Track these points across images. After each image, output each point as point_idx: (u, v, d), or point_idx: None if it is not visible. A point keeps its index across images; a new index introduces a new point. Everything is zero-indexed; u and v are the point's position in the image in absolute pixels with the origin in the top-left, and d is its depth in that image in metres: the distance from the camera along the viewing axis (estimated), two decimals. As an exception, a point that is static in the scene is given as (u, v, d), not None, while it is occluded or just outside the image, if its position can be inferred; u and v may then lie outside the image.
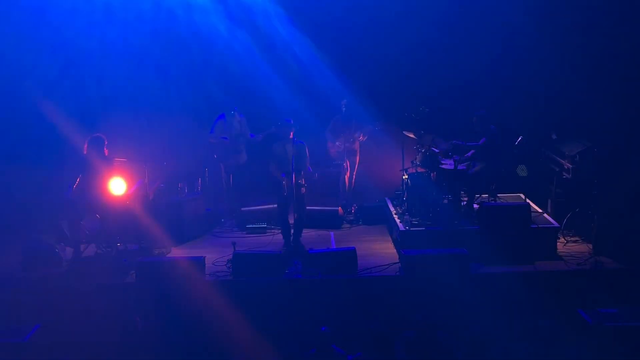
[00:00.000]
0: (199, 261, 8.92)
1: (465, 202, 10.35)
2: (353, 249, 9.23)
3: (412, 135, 10.58)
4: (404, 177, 10.58)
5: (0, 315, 8.38)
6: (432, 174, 10.03)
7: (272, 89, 12.17)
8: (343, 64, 12.25)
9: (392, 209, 10.69)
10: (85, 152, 9.46)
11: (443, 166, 10.10)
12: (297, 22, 12.26)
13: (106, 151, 9.51)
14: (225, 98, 11.60)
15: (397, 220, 10.05)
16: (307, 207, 10.12)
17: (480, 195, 10.66)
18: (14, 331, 7.78)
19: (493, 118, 10.47)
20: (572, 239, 10.02)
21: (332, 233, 10.77)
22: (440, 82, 11.96)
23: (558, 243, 9.72)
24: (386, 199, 11.20)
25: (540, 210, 10.42)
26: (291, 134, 9.86)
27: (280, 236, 10.19)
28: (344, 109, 11.50)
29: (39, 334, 7.96)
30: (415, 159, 10.45)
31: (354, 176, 11.96)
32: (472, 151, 10.29)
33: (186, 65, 12.24)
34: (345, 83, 12.09)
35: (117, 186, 9.52)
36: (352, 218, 11.46)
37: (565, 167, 10.48)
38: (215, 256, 9.67)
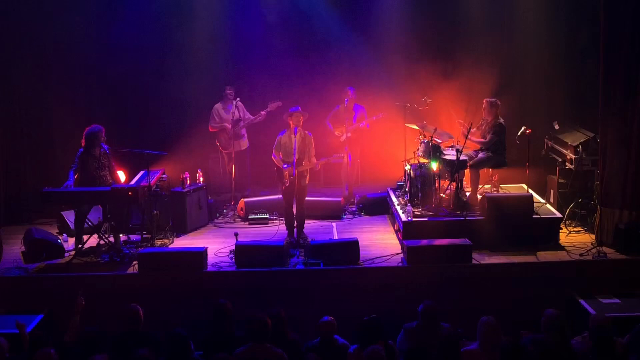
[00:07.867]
0: (201, 252, 8.93)
1: (467, 193, 10.34)
2: (355, 240, 9.23)
3: (414, 126, 10.57)
4: (406, 167, 10.57)
5: (3, 305, 8.40)
6: (434, 165, 10.01)
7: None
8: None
9: (394, 199, 10.68)
10: (83, 144, 9.47)
11: (445, 156, 10.08)
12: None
13: (104, 141, 9.51)
14: None
15: (400, 211, 10.03)
16: (311, 198, 10.13)
17: (482, 186, 10.65)
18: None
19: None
20: (574, 229, 10.01)
21: (334, 224, 10.76)
22: (440, 71, 11.91)
23: (561, 233, 9.71)
24: (388, 189, 11.18)
25: (542, 201, 10.40)
26: (300, 122, 9.72)
27: (283, 227, 10.17)
28: (346, 98, 11.45)
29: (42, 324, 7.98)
30: (418, 149, 10.44)
31: (356, 167, 11.94)
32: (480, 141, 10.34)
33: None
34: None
35: (119, 177, 9.52)
36: (354, 209, 11.44)
37: (568, 157, 10.46)
38: (217, 247, 9.67)
